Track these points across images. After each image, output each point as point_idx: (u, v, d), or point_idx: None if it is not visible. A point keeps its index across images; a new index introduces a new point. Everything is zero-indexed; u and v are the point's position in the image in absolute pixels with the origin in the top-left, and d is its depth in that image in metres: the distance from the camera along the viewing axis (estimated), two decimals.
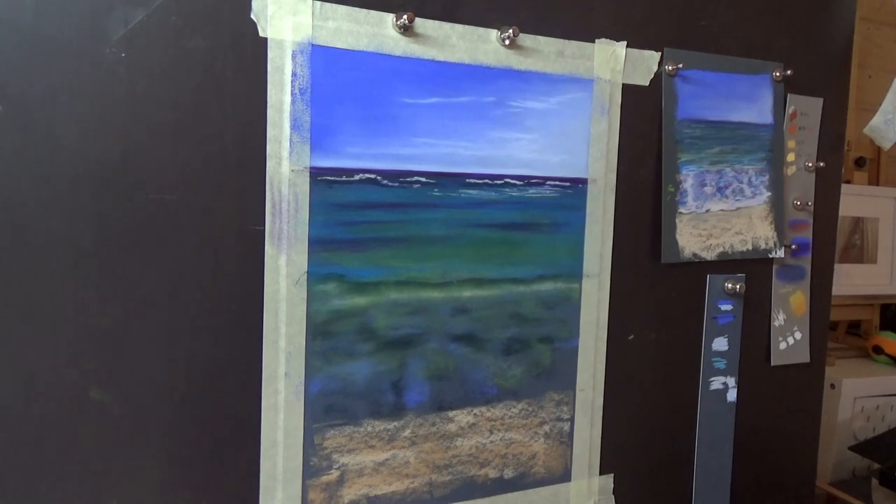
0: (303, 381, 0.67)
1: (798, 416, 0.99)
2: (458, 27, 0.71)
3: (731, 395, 0.93)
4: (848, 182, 1.70)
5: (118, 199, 0.59)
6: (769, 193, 0.91)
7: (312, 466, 0.69)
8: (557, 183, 0.78)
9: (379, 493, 0.72)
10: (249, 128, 0.63)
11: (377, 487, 0.72)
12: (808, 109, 0.94)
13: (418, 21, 0.69)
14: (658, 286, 0.86)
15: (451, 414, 0.75)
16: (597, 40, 0.78)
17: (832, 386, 1.50)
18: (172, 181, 0.61)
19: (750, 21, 0.89)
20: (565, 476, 0.82)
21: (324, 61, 0.65)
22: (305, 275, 0.66)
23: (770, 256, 0.93)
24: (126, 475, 0.61)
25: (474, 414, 0.76)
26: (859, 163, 1.74)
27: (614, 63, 0.80)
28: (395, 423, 0.72)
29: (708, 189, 0.87)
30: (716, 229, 0.88)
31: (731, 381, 0.92)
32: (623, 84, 0.80)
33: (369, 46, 0.67)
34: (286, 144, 0.64)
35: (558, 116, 0.77)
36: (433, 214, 0.72)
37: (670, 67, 0.83)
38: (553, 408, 0.81)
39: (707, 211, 0.87)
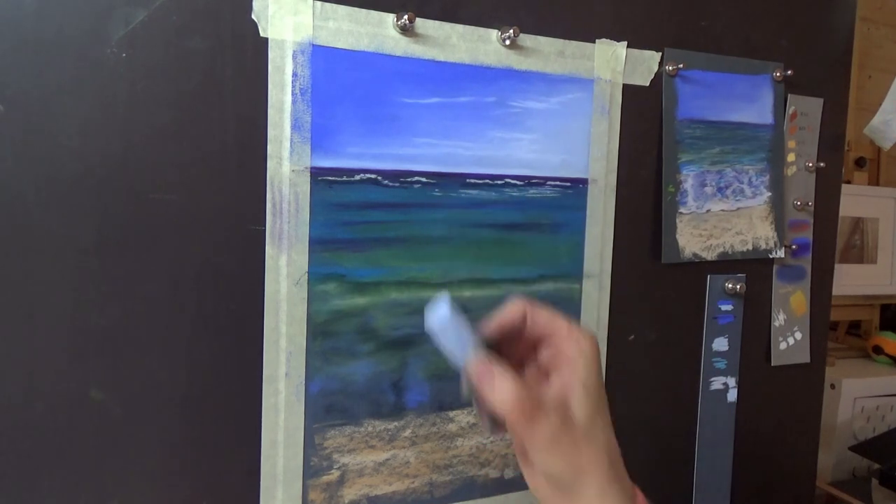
0: (303, 381, 0.67)
1: (798, 416, 0.99)
2: (459, 27, 0.71)
3: (732, 396, 0.93)
4: (848, 182, 1.70)
5: (118, 199, 0.59)
6: (769, 193, 0.91)
7: (313, 466, 0.69)
8: (558, 183, 0.78)
9: (379, 493, 0.72)
10: (250, 128, 0.63)
11: (377, 487, 0.72)
12: (808, 109, 0.94)
13: (419, 21, 0.69)
14: (658, 286, 0.86)
15: (451, 414, 0.75)
16: (597, 40, 0.78)
17: (832, 386, 1.50)
18: (172, 181, 0.61)
19: (750, 21, 0.89)
20: None
21: (324, 61, 0.65)
22: (306, 275, 0.66)
23: (770, 256, 0.93)
24: (126, 475, 0.61)
25: (475, 414, 0.76)
26: (859, 163, 1.74)
27: (615, 63, 0.80)
28: (396, 423, 0.72)
29: (708, 189, 0.87)
30: (716, 229, 0.88)
31: (732, 382, 0.92)
32: (623, 84, 0.80)
33: (370, 47, 0.67)
34: (287, 144, 0.64)
35: (559, 117, 0.77)
36: (433, 214, 0.72)
37: (670, 68, 0.83)
38: None
39: (707, 211, 0.87)
